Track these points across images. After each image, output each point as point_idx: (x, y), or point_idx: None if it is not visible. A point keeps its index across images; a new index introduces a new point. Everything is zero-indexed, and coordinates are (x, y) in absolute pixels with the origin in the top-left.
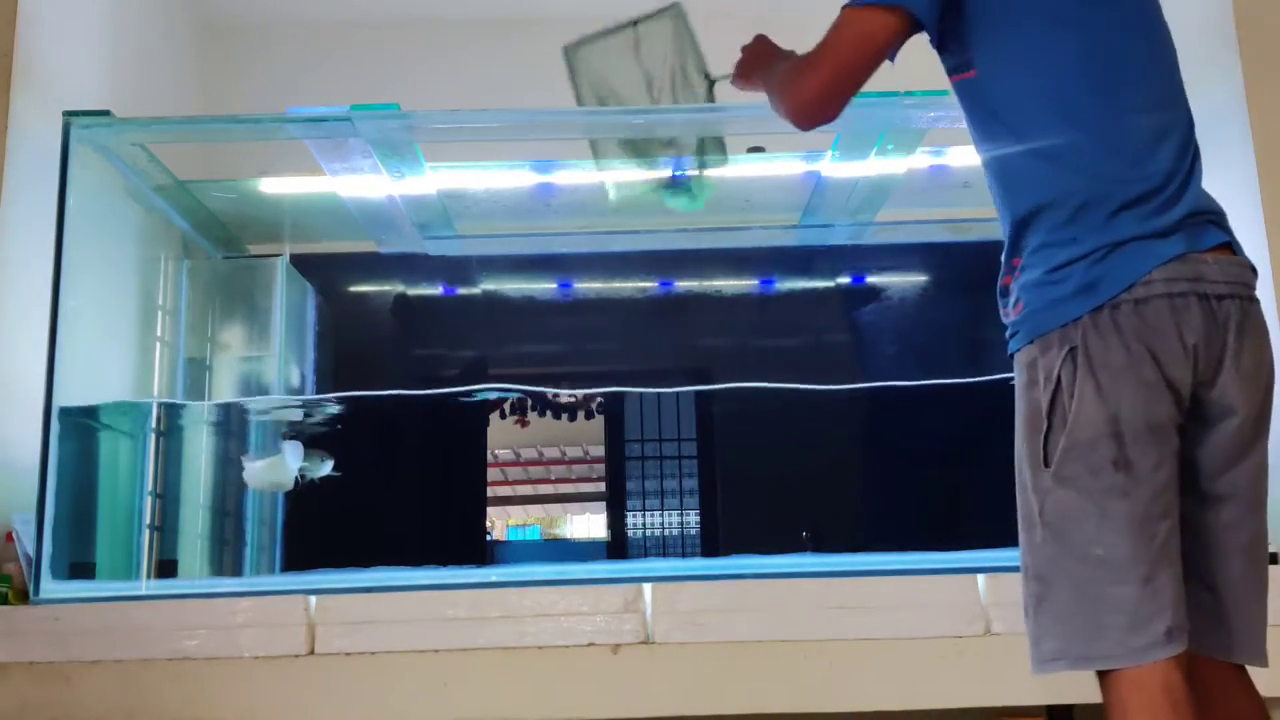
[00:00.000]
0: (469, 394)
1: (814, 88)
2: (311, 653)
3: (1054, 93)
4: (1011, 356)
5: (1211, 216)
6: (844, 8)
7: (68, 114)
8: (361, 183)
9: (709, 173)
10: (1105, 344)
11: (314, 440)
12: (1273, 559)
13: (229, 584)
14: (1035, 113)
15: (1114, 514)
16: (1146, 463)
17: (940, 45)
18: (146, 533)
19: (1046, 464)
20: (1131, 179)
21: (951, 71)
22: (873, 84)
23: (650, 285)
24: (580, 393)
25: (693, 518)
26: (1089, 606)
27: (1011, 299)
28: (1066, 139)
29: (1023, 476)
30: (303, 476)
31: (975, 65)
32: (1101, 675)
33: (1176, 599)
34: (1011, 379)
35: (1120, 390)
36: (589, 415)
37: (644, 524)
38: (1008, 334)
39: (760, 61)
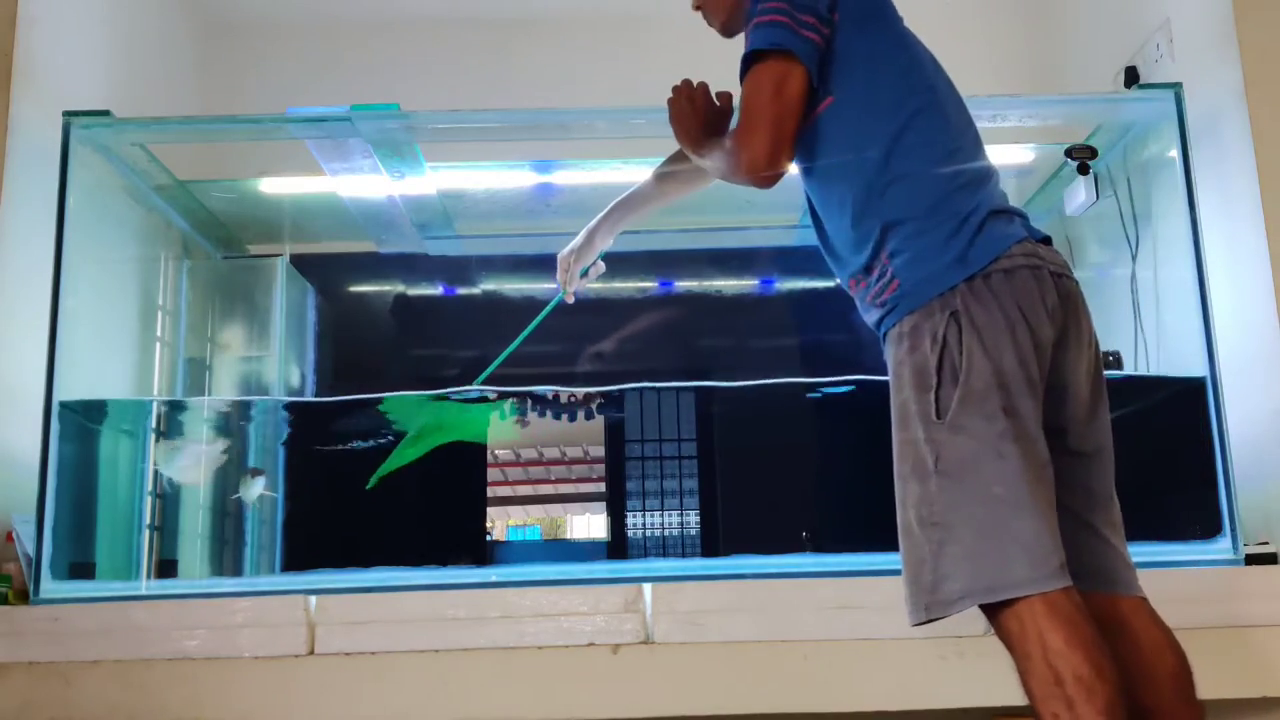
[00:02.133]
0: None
1: (760, 147)
2: (311, 653)
3: (918, 108)
4: (883, 335)
5: (1026, 216)
6: (748, 68)
7: (68, 114)
8: (361, 183)
9: None
10: (984, 308)
11: (315, 440)
12: (1271, 558)
13: (229, 584)
14: (899, 126)
15: (1009, 455)
16: (1028, 412)
17: None
18: (146, 533)
19: (939, 416)
20: (979, 174)
21: (807, 111)
22: None
23: (650, 285)
24: (580, 391)
25: (693, 518)
26: (995, 542)
27: (884, 281)
28: (930, 144)
29: (910, 433)
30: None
31: (833, 93)
32: (1004, 608)
33: (1059, 537)
34: None
35: (1001, 348)
36: (589, 415)
37: (644, 524)
38: (880, 315)
39: (698, 126)
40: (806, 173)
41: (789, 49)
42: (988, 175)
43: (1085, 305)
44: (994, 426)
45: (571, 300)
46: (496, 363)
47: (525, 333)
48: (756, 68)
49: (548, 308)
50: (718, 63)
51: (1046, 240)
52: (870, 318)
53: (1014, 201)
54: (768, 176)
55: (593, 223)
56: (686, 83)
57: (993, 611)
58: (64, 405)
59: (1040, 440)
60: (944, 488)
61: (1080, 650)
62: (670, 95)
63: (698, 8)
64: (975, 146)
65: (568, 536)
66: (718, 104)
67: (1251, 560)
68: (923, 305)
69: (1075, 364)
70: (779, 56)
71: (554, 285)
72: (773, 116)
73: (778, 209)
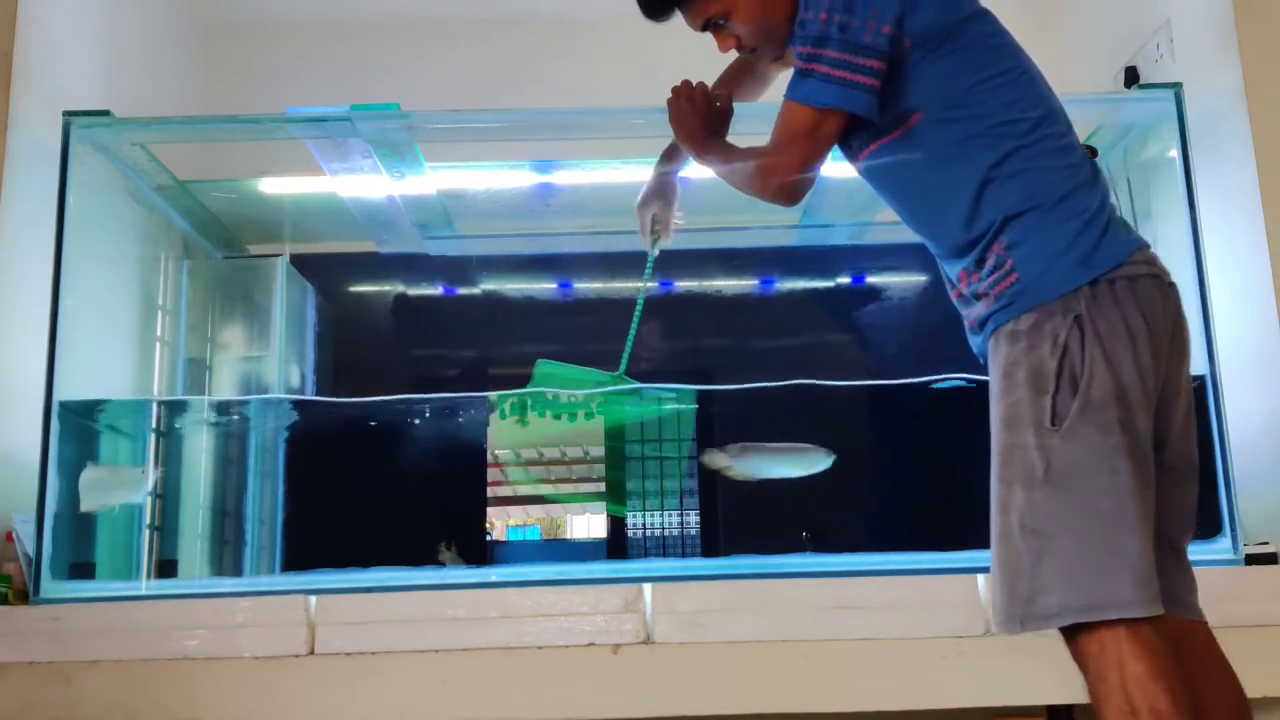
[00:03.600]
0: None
1: (787, 177)
2: (311, 653)
3: (1031, 107)
4: (990, 332)
5: None
6: (792, 101)
7: (68, 114)
8: (361, 183)
9: None
10: (1106, 316)
11: (316, 441)
12: (1271, 558)
13: (229, 584)
14: (1018, 128)
15: (1121, 470)
16: (1143, 428)
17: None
18: (146, 533)
19: (1053, 423)
20: (1093, 173)
21: (890, 127)
22: None
23: (650, 285)
24: (581, 392)
25: (693, 518)
26: (1100, 558)
27: (1001, 273)
28: (1049, 139)
29: (1019, 437)
30: None
31: (921, 108)
32: (1086, 628)
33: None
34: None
35: (1122, 358)
36: (589, 415)
37: (644, 524)
38: (990, 310)
39: (699, 127)
40: (900, 179)
41: (835, 107)
42: (1098, 173)
43: (1184, 315)
44: (1109, 440)
45: (669, 240)
46: (628, 348)
47: (639, 309)
48: (801, 105)
49: (648, 268)
50: (718, 62)
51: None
52: (973, 312)
53: None
54: (790, 200)
55: (660, 174)
56: (686, 83)
57: (1073, 629)
58: (64, 405)
59: (1150, 460)
60: (1051, 497)
61: (1161, 682)
62: (669, 96)
63: (748, 48)
64: (1079, 144)
65: (568, 536)
66: (718, 104)
67: (1251, 560)
68: (1043, 304)
69: (1179, 376)
70: (830, 110)
71: (553, 285)
72: (804, 152)
73: (778, 209)
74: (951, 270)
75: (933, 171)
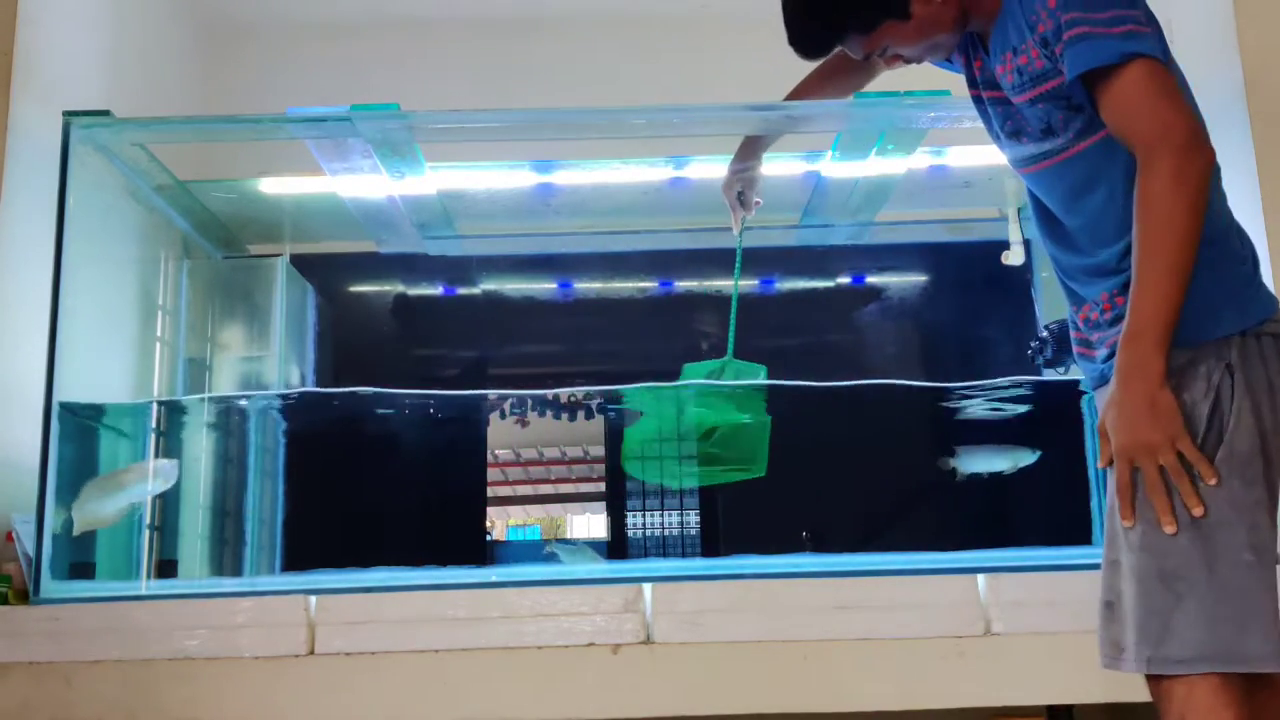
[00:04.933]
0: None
1: (1193, 143)
2: (311, 653)
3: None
4: None
5: None
6: (1115, 68)
7: (68, 114)
8: (361, 183)
9: None
10: (1253, 369)
11: (312, 440)
12: None
13: (229, 584)
14: None
15: (1261, 525)
16: (1277, 487)
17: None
18: (146, 533)
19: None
20: (1238, 224)
21: (1092, 129)
22: (873, 84)
23: (650, 285)
24: (580, 391)
25: (693, 518)
26: (1239, 610)
27: None
28: (1216, 176)
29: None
30: None
31: None
32: (1178, 676)
33: None
34: (1006, 381)
35: (1265, 414)
36: (589, 415)
37: (644, 524)
38: None
39: (1143, 359)
40: (1084, 182)
41: (1153, 54)
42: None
43: None
44: (1252, 494)
45: (751, 215)
46: (732, 333)
47: (735, 290)
48: (1121, 79)
49: (738, 251)
50: (720, 62)
51: None
52: (1105, 338)
53: (1015, 201)
54: (1211, 154)
55: (743, 153)
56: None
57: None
58: (64, 405)
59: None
60: (1194, 542)
61: None
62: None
63: (915, 62)
64: None
65: (568, 536)
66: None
67: None
68: (1197, 344)
69: None
70: (1149, 58)
71: (553, 285)
72: (1174, 104)
73: (778, 209)
74: (1089, 290)
75: (1115, 183)
